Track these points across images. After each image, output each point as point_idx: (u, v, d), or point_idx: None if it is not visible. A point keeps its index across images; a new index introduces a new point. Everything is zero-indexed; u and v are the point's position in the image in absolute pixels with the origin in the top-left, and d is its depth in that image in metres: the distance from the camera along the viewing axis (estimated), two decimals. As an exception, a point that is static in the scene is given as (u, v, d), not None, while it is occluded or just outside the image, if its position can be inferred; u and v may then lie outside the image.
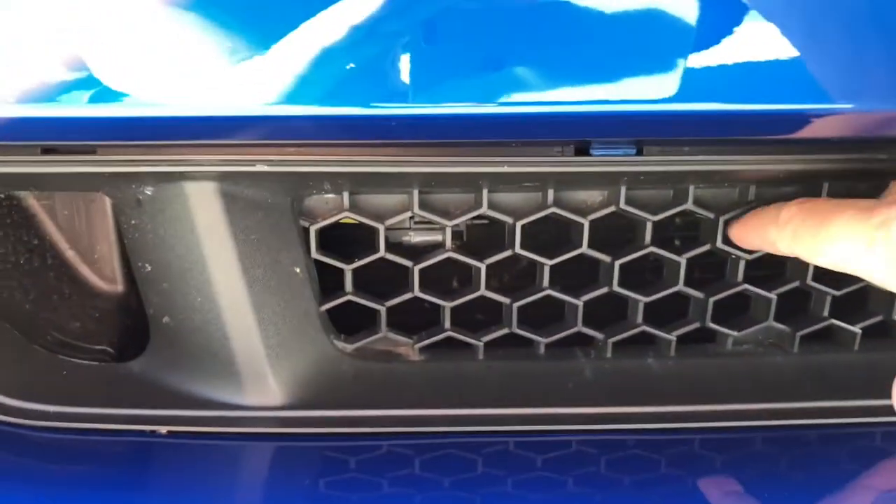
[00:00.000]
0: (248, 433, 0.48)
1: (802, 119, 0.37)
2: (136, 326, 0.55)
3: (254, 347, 0.48)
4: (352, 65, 0.33)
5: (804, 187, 0.53)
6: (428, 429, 0.52)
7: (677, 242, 0.60)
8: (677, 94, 0.36)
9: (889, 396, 0.45)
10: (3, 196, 0.54)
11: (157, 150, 0.41)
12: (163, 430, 0.47)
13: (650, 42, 0.36)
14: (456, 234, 0.57)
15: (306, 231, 0.50)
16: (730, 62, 0.36)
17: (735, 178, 0.51)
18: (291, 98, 0.35)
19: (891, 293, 0.54)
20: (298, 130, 0.36)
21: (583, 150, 0.43)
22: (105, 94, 0.34)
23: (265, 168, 0.42)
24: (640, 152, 0.44)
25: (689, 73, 0.36)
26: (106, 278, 0.58)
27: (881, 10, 0.37)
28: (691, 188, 0.51)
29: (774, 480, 0.50)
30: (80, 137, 0.37)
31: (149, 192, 0.46)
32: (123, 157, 0.42)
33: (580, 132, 0.40)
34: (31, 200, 0.57)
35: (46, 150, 0.42)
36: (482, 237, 0.57)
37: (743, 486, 0.50)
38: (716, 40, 0.36)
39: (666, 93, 0.36)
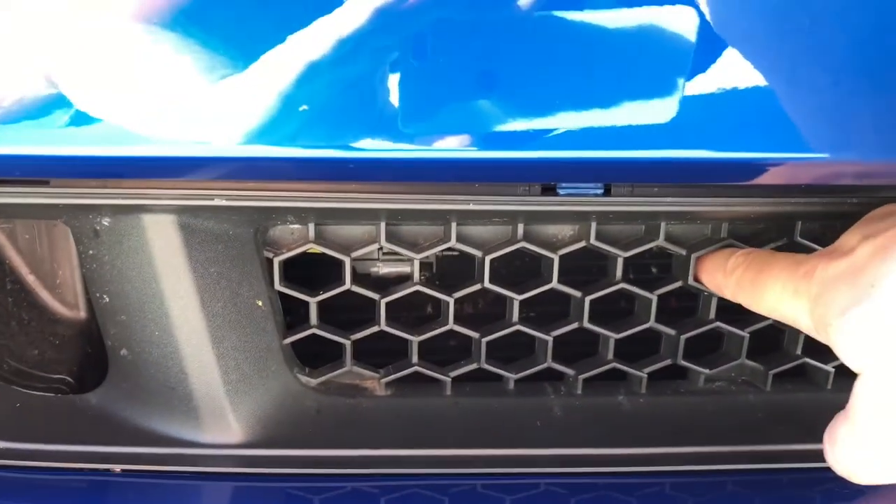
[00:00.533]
0: (206, 472, 0.46)
1: (772, 167, 0.36)
2: (97, 356, 0.54)
3: (213, 383, 0.47)
4: (304, 107, 0.32)
5: (777, 225, 0.53)
6: (393, 470, 0.51)
7: (654, 269, 0.59)
8: (644, 142, 0.36)
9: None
10: (-40, 220, 0.52)
11: (114, 183, 0.40)
12: (116, 468, 0.46)
13: (616, 88, 0.35)
14: (425, 266, 0.56)
15: (270, 262, 0.49)
16: (697, 109, 0.36)
17: (706, 217, 0.51)
18: (250, 139, 0.34)
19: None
20: (258, 170, 0.35)
21: (550, 189, 0.43)
22: (58, 132, 0.33)
23: (224, 202, 0.41)
24: (607, 192, 0.43)
25: (656, 120, 0.35)
26: (67, 304, 0.57)
27: (856, 61, 0.36)
28: (663, 224, 0.51)
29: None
30: (31, 174, 0.36)
31: (106, 223, 0.45)
32: (79, 189, 0.41)
33: (546, 176, 0.39)
34: (-9, 224, 0.55)
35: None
36: (452, 269, 0.56)
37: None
38: (682, 87, 0.35)
39: (632, 140, 0.35)
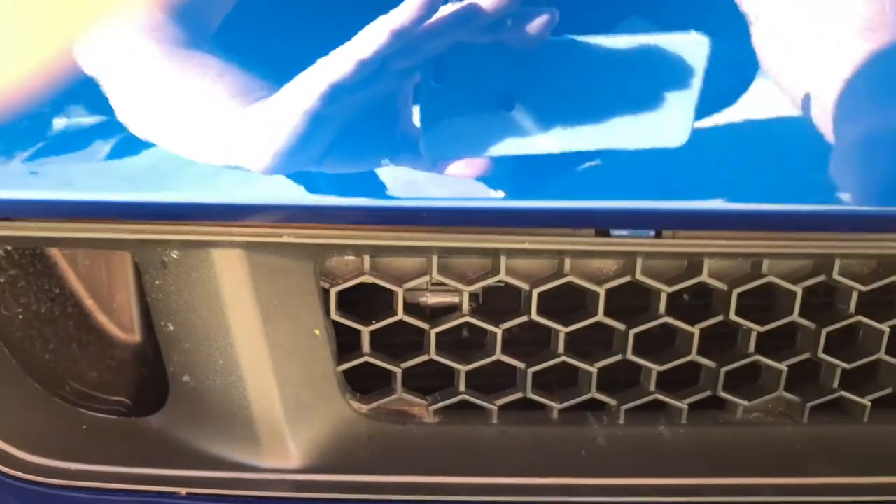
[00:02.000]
0: (266, 497, 0.48)
1: (822, 218, 0.38)
2: (153, 379, 0.56)
3: (273, 410, 0.49)
4: (386, 160, 0.34)
5: (815, 263, 0.54)
6: (441, 497, 0.52)
7: (685, 297, 0.61)
8: (697, 192, 0.37)
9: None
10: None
11: (186, 222, 0.42)
12: (182, 491, 0.48)
13: (666, 142, 0.37)
14: (472, 296, 0.58)
15: (326, 292, 0.51)
16: (747, 162, 0.37)
17: (749, 254, 0.52)
18: (316, 188, 0.36)
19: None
20: (323, 215, 0.37)
21: (602, 232, 0.44)
22: (138, 181, 0.35)
23: (291, 239, 0.43)
24: (658, 235, 0.45)
25: (708, 172, 0.37)
26: (124, 328, 0.59)
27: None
28: (706, 261, 0.52)
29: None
30: (110, 216, 0.38)
31: (175, 256, 0.47)
32: (151, 226, 0.43)
33: (601, 222, 0.41)
34: (53, 250, 0.58)
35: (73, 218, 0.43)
36: (499, 300, 0.58)
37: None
38: (735, 141, 0.37)
39: (686, 191, 0.37)
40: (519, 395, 0.55)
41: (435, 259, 0.51)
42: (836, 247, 0.51)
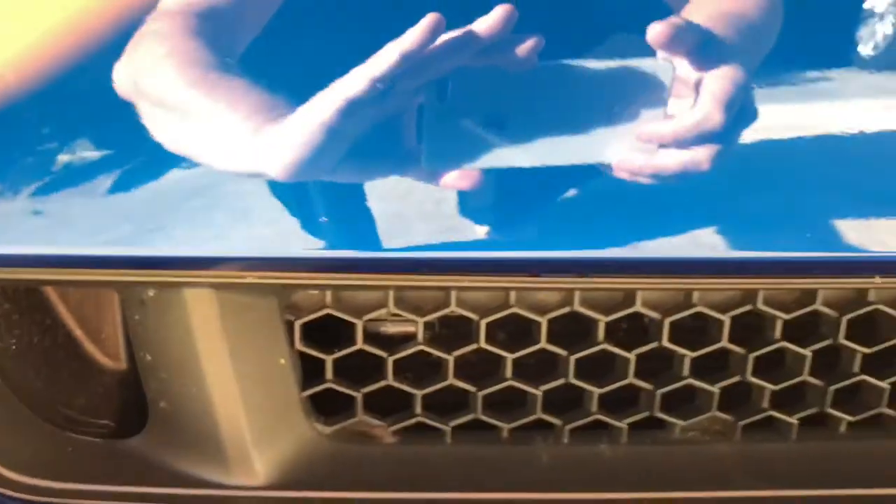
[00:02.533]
0: (233, 512, 0.53)
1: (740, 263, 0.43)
2: (136, 404, 0.61)
3: (241, 433, 0.54)
4: (324, 219, 0.39)
5: (742, 294, 0.59)
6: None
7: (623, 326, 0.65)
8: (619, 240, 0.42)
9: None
10: (20, 284, 0.60)
11: (161, 267, 0.47)
12: (157, 509, 0.53)
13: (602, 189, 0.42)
14: (428, 325, 0.62)
15: (291, 324, 0.56)
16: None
17: (679, 289, 0.57)
18: (280, 243, 0.41)
19: (824, 387, 0.60)
20: (281, 265, 0.42)
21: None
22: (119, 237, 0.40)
23: (254, 280, 0.48)
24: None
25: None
26: (110, 357, 0.64)
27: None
28: (638, 293, 0.57)
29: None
30: (94, 266, 0.43)
31: (151, 294, 0.52)
32: (131, 270, 0.48)
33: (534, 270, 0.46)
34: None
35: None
36: (453, 329, 0.62)
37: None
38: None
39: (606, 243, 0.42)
40: (471, 416, 0.60)
41: (391, 294, 0.56)
42: (758, 283, 0.56)
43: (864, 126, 0.48)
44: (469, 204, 0.46)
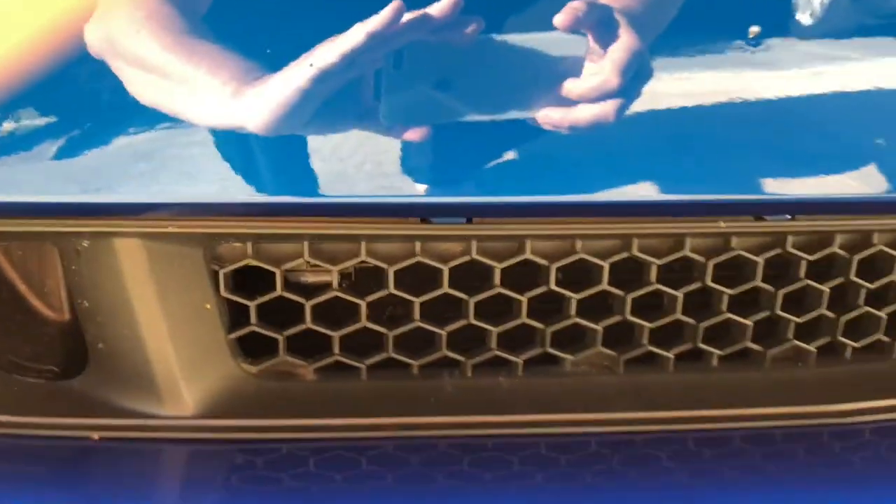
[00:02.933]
0: (166, 438, 0.60)
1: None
2: (78, 350, 0.66)
3: (171, 369, 0.60)
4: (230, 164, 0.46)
5: (621, 242, 0.66)
6: (320, 434, 0.64)
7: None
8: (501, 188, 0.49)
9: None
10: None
11: (91, 217, 0.53)
12: (95, 436, 0.58)
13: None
14: (344, 275, 0.69)
15: (216, 274, 0.62)
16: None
17: (563, 236, 0.64)
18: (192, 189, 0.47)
19: (696, 325, 0.68)
20: (196, 210, 0.49)
21: (425, 220, 0.56)
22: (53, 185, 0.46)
23: (175, 230, 0.55)
24: (469, 221, 0.57)
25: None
26: (53, 309, 0.69)
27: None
28: (528, 242, 0.64)
29: (607, 477, 0.63)
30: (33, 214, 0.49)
31: (85, 245, 0.57)
32: (65, 220, 0.54)
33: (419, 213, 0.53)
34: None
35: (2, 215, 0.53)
36: (366, 277, 0.69)
37: (579, 484, 0.63)
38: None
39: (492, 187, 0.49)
40: (384, 355, 0.67)
41: (307, 244, 0.63)
42: (632, 229, 0.63)
43: (733, 86, 0.56)
44: (404, 156, 0.53)
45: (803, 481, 0.65)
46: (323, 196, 0.52)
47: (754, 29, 0.49)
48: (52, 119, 0.46)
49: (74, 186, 0.47)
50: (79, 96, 0.49)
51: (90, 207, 0.48)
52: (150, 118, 0.48)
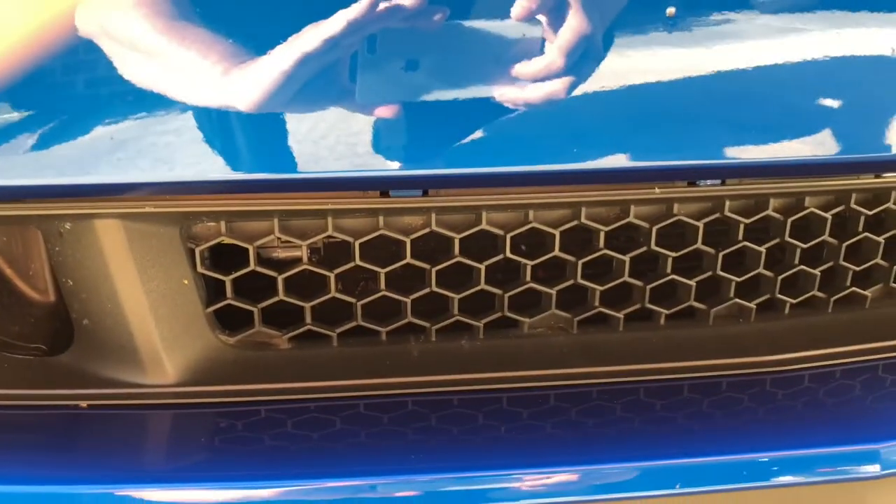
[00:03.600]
0: (149, 404, 0.64)
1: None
2: (64, 328, 0.70)
3: (153, 342, 0.64)
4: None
5: (570, 211, 0.71)
6: (296, 397, 0.69)
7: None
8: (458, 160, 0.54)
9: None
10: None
11: (72, 199, 0.57)
12: (83, 404, 0.63)
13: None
14: (315, 250, 0.73)
15: (192, 251, 0.66)
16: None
17: (520, 207, 0.69)
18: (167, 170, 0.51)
19: (644, 287, 0.74)
20: (179, 189, 0.53)
21: (385, 193, 0.61)
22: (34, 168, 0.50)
23: (152, 209, 0.59)
24: (425, 193, 0.61)
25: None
26: (39, 291, 0.73)
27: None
28: (483, 213, 0.69)
29: (566, 427, 0.68)
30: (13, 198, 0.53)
31: (68, 227, 0.61)
32: (48, 203, 0.58)
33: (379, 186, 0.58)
34: (-25, 231, 0.71)
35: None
36: (335, 251, 0.74)
37: (541, 434, 0.68)
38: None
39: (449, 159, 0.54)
40: (353, 323, 0.72)
41: (276, 221, 0.67)
42: (579, 196, 0.68)
43: (664, 62, 0.60)
44: (368, 134, 0.57)
45: (749, 425, 0.71)
46: (291, 172, 0.56)
47: (670, 10, 0.53)
48: (36, 105, 0.50)
49: (57, 170, 0.50)
50: (64, 82, 0.52)
51: (73, 189, 0.52)
52: (131, 102, 0.52)
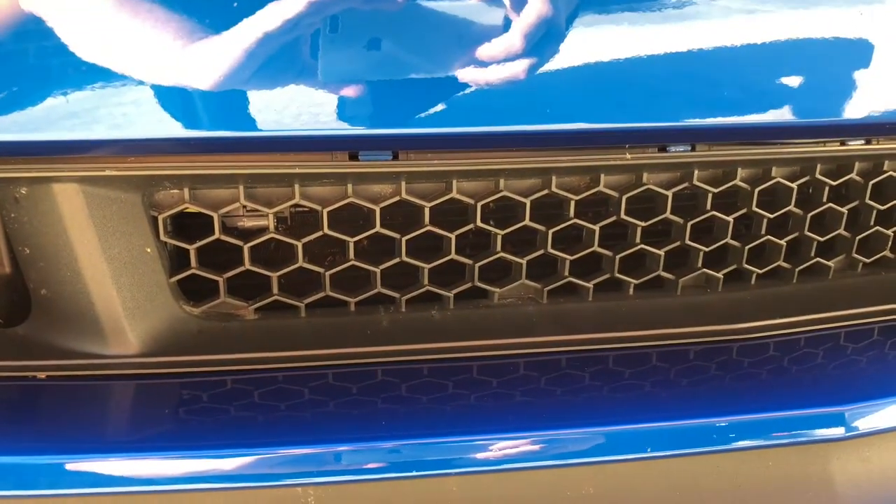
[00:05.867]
0: (111, 374, 0.62)
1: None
2: (21, 298, 0.68)
3: (115, 311, 0.63)
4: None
5: (541, 180, 0.71)
6: (263, 366, 0.68)
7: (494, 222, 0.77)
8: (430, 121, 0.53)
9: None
10: None
11: (28, 161, 0.55)
12: (41, 375, 0.61)
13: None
14: (282, 219, 0.72)
15: (155, 219, 0.65)
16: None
17: (490, 174, 0.69)
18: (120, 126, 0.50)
19: (613, 257, 0.74)
20: (148, 147, 0.51)
21: (353, 155, 0.60)
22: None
23: (113, 172, 0.57)
24: (395, 157, 0.60)
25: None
26: (-7, 262, 0.71)
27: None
28: (454, 181, 0.68)
29: (536, 395, 0.68)
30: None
31: (24, 192, 0.59)
32: (2, 166, 0.55)
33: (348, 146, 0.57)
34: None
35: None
36: (301, 219, 0.72)
37: (510, 402, 0.68)
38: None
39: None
40: (322, 294, 0.71)
41: (242, 188, 0.65)
42: (549, 162, 0.68)
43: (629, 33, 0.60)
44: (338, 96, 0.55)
45: (716, 391, 0.72)
46: (257, 130, 0.55)
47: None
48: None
49: (14, 126, 0.48)
50: (19, 52, 0.50)
51: (26, 147, 0.50)
52: (91, 71, 0.51)
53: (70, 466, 0.54)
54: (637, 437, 0.64)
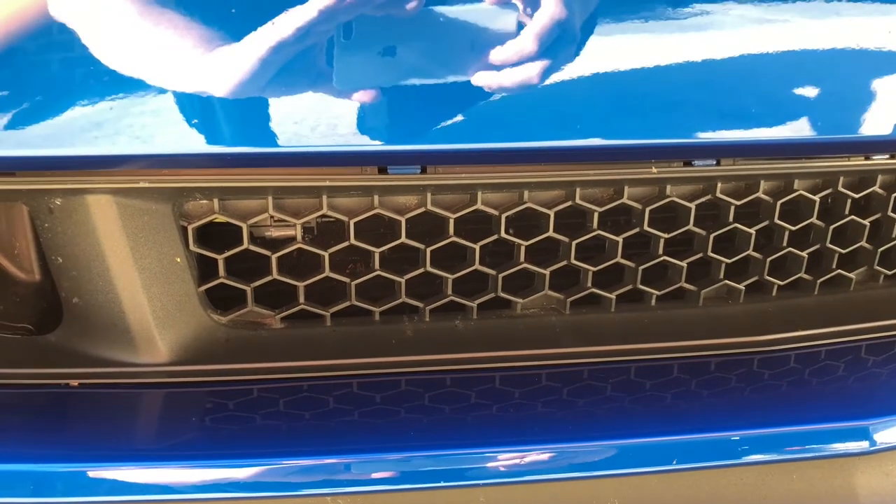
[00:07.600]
0: (141, 383, 0.63)
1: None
2: (51, 307, 0.69)
3: (145, 320, 0.63)
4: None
5: (565, 192, 0.71)
6: (288, 376, 0.68)
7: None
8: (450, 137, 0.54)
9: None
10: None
11: (64, 174, 0.56)
12: (74, 382, 0.62)
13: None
14: (308, 229, 0.73)
15: (185, 229, 0.65)
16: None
17: (515, 186, 0.69)
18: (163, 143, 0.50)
19: (636, 268, 0.74)
20: (167, 163, 0.52)
21: (382, 169, 0.60)
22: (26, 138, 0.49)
23: (146, 185, 0.58)
24: (423, 171, 0.61)
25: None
26: (24, 270, 0.72)
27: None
28: (479, 193, 0.69)
29: (558, 406, 0.69)
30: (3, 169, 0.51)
31: (58, 203, 0.60)
32: (38, 178, 0.56)
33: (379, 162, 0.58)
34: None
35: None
36: (328, 230, 0.73)
37: (532, 413, 0.68)
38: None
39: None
40: (347, 303, 0.71)
41: (270, 199, 0.66)
42: (574, 176, 0.68)
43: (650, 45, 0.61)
44: (362, 109, 0.56)
45: (739, 404, 0.72)
46: (286, 146, 0.56)
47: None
48: (18, 77, 0.49)
49: (50, 141, 0.49)
50: (46, 61, 0.51)
51: (64, 161, 0.51)
52: (119, 81, 0.51)
53: (105, 474, 0.55)
54: (660, 450, 0.64)
